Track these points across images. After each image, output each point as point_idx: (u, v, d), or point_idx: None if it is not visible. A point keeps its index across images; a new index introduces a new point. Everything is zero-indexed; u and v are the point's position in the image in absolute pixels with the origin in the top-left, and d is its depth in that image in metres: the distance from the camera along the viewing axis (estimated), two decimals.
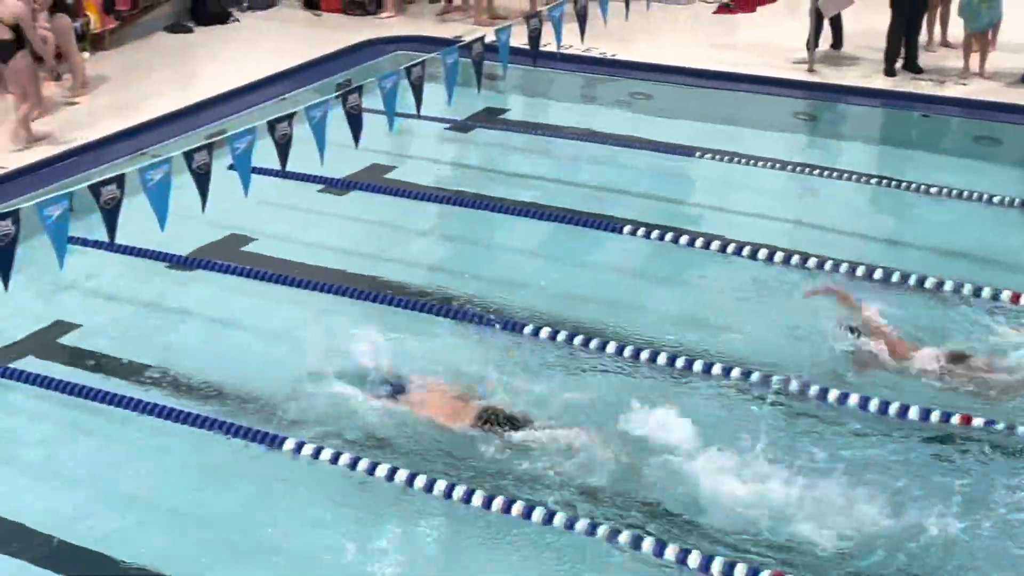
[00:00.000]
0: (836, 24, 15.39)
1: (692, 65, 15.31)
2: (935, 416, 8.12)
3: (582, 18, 12.38)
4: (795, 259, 10.27)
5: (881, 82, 14.62)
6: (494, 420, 8.05)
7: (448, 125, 13.65)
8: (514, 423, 8.03)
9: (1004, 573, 7.00)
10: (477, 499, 7.49)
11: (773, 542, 7.12)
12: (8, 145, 12.92)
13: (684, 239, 10.73)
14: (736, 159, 12.56)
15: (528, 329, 9.30)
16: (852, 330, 8.91)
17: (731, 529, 7.23)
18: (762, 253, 10.38)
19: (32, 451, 8.28)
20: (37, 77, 13.35)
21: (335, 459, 7.89)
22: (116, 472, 8.02)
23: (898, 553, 7.04)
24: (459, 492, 7.56)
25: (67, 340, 9.52)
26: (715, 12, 17.55)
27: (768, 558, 6.99)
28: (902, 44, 14.68)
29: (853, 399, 8.33)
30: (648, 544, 7.11)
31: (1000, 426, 8.04)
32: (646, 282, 10.32)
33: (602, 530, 7.24)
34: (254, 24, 17.68)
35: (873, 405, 8.26)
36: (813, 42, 14.98)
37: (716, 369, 8.70)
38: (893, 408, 8.21)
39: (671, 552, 7.05)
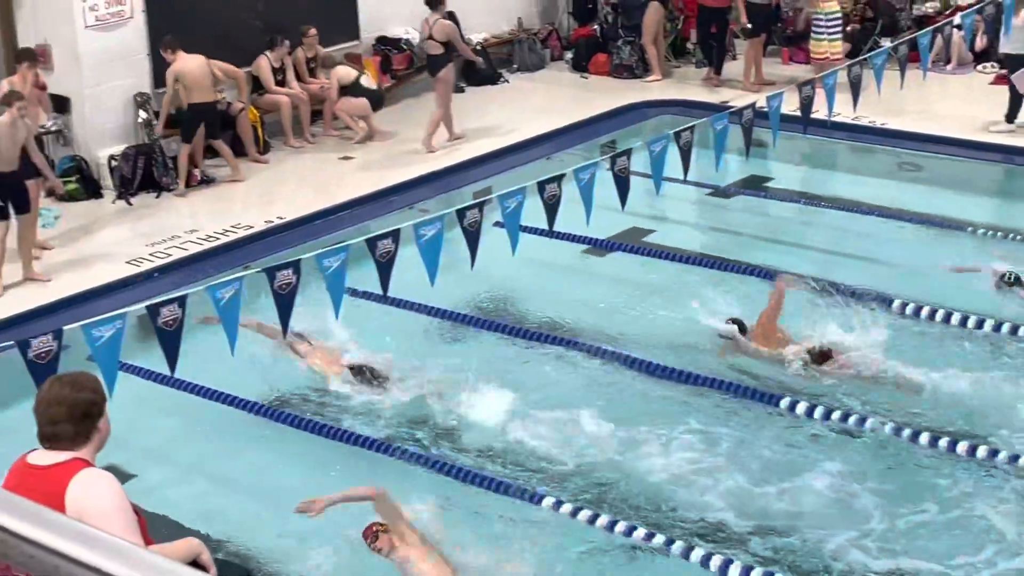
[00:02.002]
0: None
1: (964, 136, 14.90)
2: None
3: (856, 87, 12.18)
4: None
5: None
6: None
7: (710, 191, 13.62)
8: None
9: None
10: None
11: None
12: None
13: (955, 318, 10.39)
14: (1011, 235, 12.13)
15: (784, 403, 9.17)
16: (735, 321, 10.00)
17: None
18: None
19: None
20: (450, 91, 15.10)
21: None
22: None
23: None
24: None
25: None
26: (992, 83, 17.03)
27: None
28: None
29: None
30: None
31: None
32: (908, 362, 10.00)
33: None
34: (523, 85, 18.06)
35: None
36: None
37: None
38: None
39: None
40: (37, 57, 11.99)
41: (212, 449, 9.03)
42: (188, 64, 13.46)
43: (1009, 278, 10.76)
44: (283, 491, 8.18)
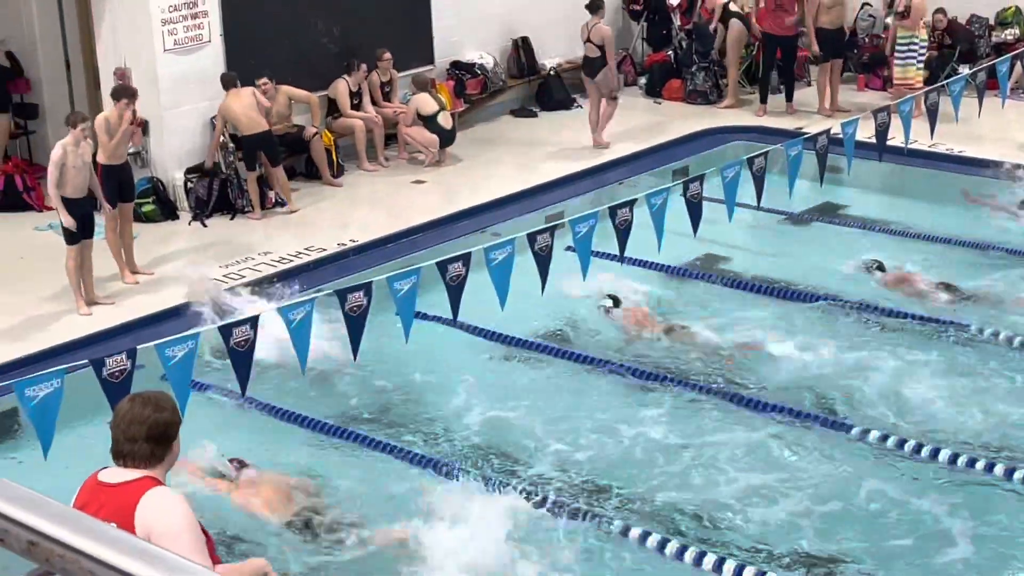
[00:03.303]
0: None
1: None
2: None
3: (932, 113, 12.04)
4: None
5: None
6: None
7: (784, 217, 13.51)
8: None
9: None
10: None
11: None
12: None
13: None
14: None
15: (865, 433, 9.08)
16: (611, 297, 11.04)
17: None
18: None
19: None
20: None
21: None
22: None
23: None
24: None
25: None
26: None
27: None
28: None
29: None
30: None
31: None
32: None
33: None
34: None
35: None
36: None
37: None
38: None
39: None
40: (135, 93, 12.13)
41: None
42: (230, 103, 13.67)
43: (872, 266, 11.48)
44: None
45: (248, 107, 13.70)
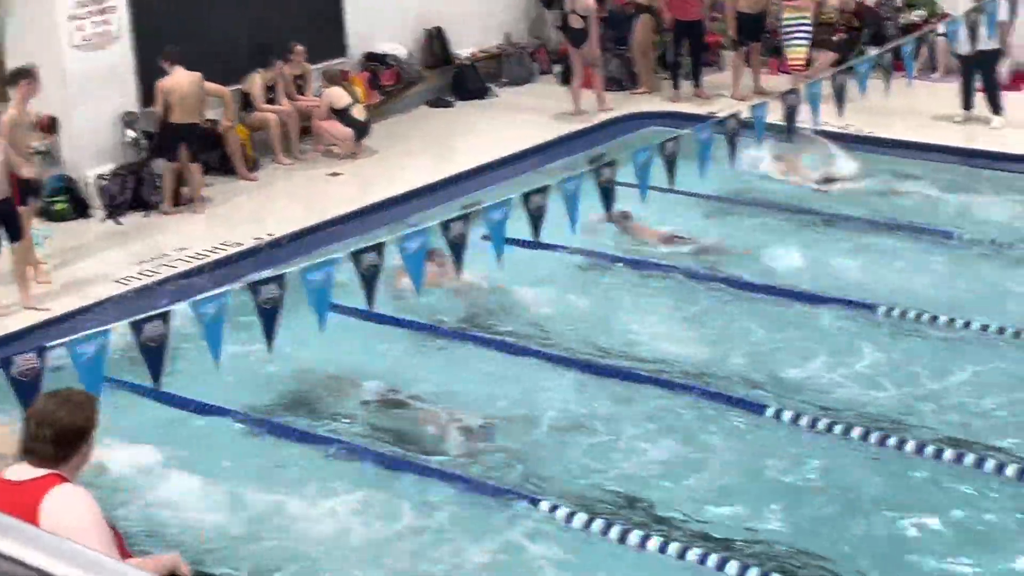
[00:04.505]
0: None
1: (951, 143, 14.95)
2: None
3: (840, 95, 12.19)
4: None
5: None
6: None
7: (699, 200, 13.61)
8: None
9: None
10: None
11: None
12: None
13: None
14: (995, 240, 12.21)
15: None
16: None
17: None
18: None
19: None
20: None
21: None
22: None
23: None
24: None
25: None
26: (979, 90, 17.04)
27: None
28: None
29: None
30: None
31: None
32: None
33: None
34: (511, 99, 18.08)
35: None
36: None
37: None
38: None
39: None
40: (35, 74, 11.76)
41: (196, 461, 8.97)
42: (180, 80, 13.49)
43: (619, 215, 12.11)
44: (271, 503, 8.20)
45: (192, 94, 13.53)
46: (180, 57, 13.54)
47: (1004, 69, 16.58)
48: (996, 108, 15.70)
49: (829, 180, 14.13)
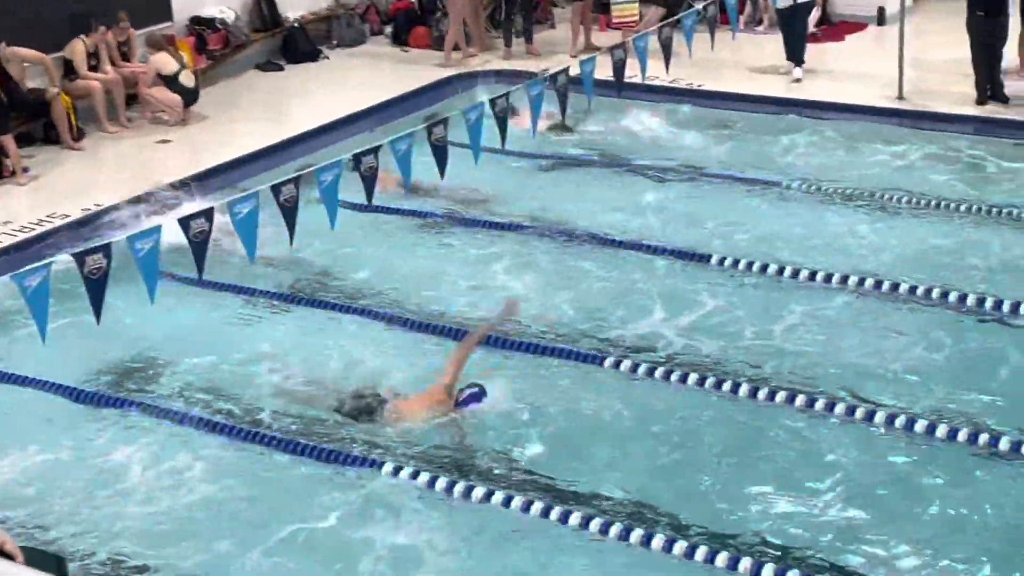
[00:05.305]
0: None
1: (777, 94, 15.29)
2: None
3: (667, 49, 12.36)
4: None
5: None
6: None
7: (533, 158, 13.70)
8: None
9: None
10: None
11: None
12: None
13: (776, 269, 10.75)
14: (822, 187, 12.54)
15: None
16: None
17: None
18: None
19: None
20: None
21: None
22: None
23: None
24: None
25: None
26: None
27: None
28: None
29: None
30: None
31: None
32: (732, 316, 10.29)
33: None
34: (343, 61, 17.92)
35: None
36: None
37: None
38: None
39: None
40: None
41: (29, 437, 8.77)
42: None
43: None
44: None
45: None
46: None
47: (811, 19, 16.92)
48: (799, 59, 15.96)
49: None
